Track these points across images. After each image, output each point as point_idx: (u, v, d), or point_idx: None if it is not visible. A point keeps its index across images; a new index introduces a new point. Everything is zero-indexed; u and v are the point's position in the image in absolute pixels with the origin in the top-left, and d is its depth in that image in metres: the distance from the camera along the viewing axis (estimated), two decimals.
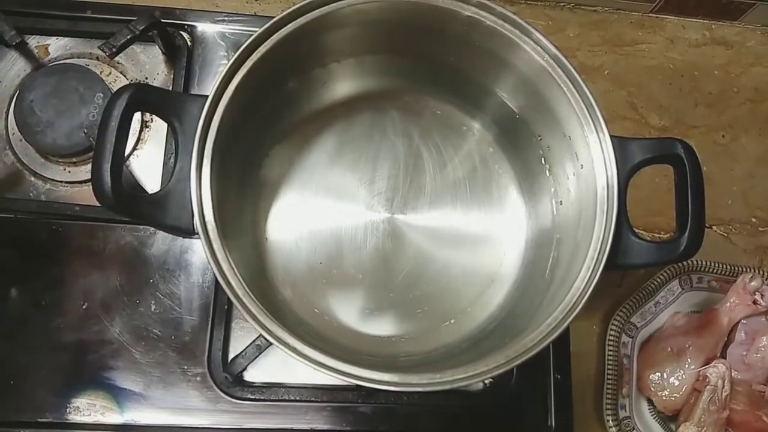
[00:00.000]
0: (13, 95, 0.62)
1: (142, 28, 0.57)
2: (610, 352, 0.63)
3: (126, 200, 0.43)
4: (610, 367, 0.63)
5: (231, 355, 0.59)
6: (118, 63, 0.64)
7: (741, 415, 0.60)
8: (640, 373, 0.63)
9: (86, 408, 0.58)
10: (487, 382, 0.61)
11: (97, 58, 0.64)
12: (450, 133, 0.61)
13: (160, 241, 0.61)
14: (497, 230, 0.59)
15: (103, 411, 0.58)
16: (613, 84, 0.74)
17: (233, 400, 0.58)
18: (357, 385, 0.45)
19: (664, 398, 0.61)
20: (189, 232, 0.45)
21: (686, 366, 0.60)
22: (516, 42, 0.50)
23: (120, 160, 0.43)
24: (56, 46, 0.64)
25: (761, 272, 0.65)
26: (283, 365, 0.60)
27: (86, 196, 0.61)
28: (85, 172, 0.62)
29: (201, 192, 0.45)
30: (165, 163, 0.62)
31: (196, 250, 0.61)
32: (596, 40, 0.76)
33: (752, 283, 0.60)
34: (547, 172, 0.56)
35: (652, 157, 0.49)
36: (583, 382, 0.64)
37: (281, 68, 0.51)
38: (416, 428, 0.61)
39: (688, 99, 0.75)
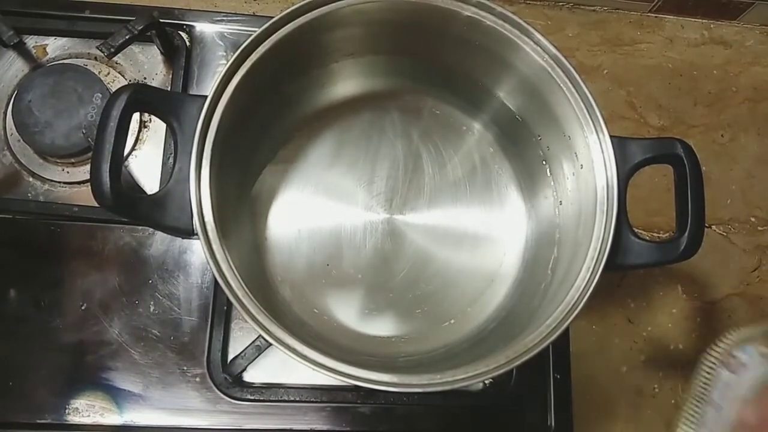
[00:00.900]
0: (11, 95, 0.62)
1: (140, 28, 0.57)
2: None
3: (125, 201, 0.43)
4: None
5: (230, 356, 0.59)
6: (116, 63, 0.64)
7: None
8: None
9: (85, 409, 0.57)
10: (487, 382, 0.61)
11: (96, 58, 0.64)
12: (450, 133, 0.61)
13: (159, 241, 0.61)
14: (497, 230, 0.59)
15: (102, 412, 0.58)
16: (613, 84, 0.74)
17: (233, 400, 0.58)
18: (356, 386, 0.45)
19: None
20: (188, 233, 0.44)
21: None
22: (516, 42, 0.50)
23: (119, 160, 0.42)
24: (54, 46, 0.64)
25: None
26: (283, 366, 0.60)
27: (85, 196, 0.61)
28: (83, 172, 0.61)
29: (200, 192, 0.45)
30: (164, 164, 0.61)
31: (195, 251, 0.61)
32: (595, 39, 0.76)
33: None
34: (547, 172, 0.56)
35: (651, 156, 0.49)
36: (583, 382, 0.64)
37: (280, 68, 0.51)
38: (416, 428, 0.61)
39: (687, 98, 0.75)
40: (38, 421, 0.57)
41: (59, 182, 0.61)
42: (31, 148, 0.61)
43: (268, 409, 0.59)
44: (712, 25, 0.78)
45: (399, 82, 0.60)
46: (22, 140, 0.60)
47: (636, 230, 0.48)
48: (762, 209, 0.72)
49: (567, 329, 0.45)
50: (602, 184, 0.48)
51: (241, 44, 0.47)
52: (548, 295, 0.50)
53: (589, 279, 0.46)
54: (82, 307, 0.59)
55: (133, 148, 0.62)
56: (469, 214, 0.59)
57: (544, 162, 0.56)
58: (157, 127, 0.63)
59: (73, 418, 0.57)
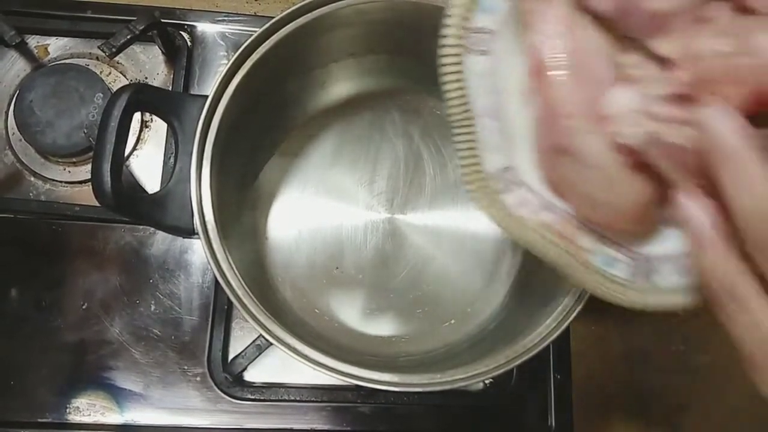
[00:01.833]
0: (13, 95, 0.62)
1: (141, 28, 0.57)
2: None
3: (126, 200, 0.43)
4: None
5: (231, 355, 0.59)
6: (117, 63, 0.64)
7: None
8: None
9: (86, 408, 0.58)
10: (487, 382, 0.61)
11: (97, 58, 0.64)
12: (450, 132, 0.60)
13: (160, 241, 0.61)
14: (497, 230, 0.59)
15: (103, 411, 0.58)
16: None
17: (233, 400, 0.58)
18: (357, 385, 0.45)
19: None
20: (189, 232, 0.45)
21: None
22: None
23: (120, 160, 0.43)
24: (56, 46, 0.64)
25: None
26: (283, 365, 0.60)
27: (86, 196, 0.61)
28: (85, 172, 0.62)
29: (201, 192, 0.45)
30: (165, 163, 0.62)
31: (196, 250, 0.61)
32: None
33: None
34: None
35: None
36: (583, 382, 0.64)
37: (281, 68, 0.51)
38: (416, 428, 0.61)
39: None
40: (39, 420, 0.57)
41: (61, 182, 0.61)
42: (33, 148, 0.61)
43: (269, 409, 0.59)
44: None
45: (399, 81, 0.60)
46: (23, 140, 0.61)
47: None
48: None
49: (567, 329, 0.45)
50: None
51: (242, 44, 0.47)
52: (548, 295, 0.50)
53: None
54: (83, 307, 0.59)
55: (134, 148, 0.63)
56: (469, 214, 0.59)
57: None
58: (159, 127, 0.63)
59: (74, 417, 0.57)
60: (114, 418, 0.58)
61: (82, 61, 0.63)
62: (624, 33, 0.29)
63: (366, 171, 0.59)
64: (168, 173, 0.60)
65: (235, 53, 0.47)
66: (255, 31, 0.47)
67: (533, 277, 0.56)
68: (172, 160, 0.60)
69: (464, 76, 0.35)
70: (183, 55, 0.64)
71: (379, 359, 0.54)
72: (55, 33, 0.64)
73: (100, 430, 0.57)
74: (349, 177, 0.59)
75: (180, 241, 0.61)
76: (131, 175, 0.62)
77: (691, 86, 0.26)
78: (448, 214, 0.59)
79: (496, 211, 0.35)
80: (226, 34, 0.65)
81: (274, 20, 0.48)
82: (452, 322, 0.57)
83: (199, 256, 0.61)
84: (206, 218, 0.45)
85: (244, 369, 0.59)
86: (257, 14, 0.68)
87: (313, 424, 0.59)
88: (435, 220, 0.59)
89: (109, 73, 0.64)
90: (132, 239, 0.61)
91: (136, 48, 0.64)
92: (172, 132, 0.46)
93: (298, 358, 0.43)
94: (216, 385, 0.58)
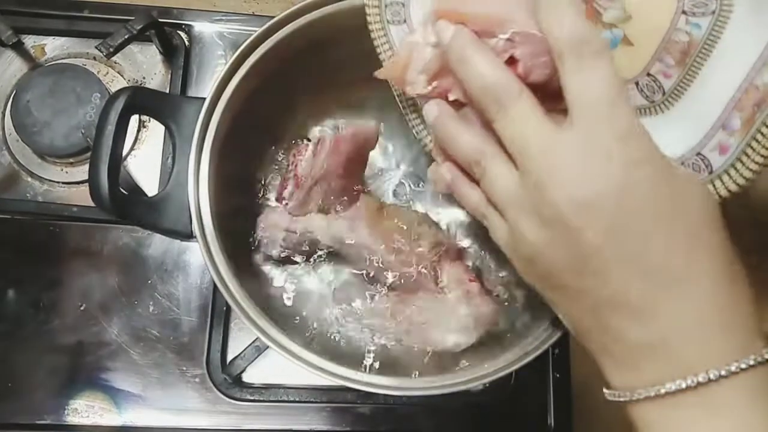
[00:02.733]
0: (10, 95, 0.62)
1: (139, 27, 0.57)
2: None
3: (123, 203, 0.43)
4: None
5: (230, 356, 0.59)
6: (115, 63, 0.64)
7: None
8: None
9: (85, 409, 0.58)
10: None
11: (94, 58, 0.64)
12: None
13: (158, 242, 0.61)
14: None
15: (101, 412, 0.58)
16: None
17: (232, 401, 0.58)
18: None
19: None
20: (187, 236, 0.44)
21: None
22: None
23: (117, 163, 0.42)
24: (53, 46, 0.64)
25: None
26: (282, 366, 0.60)
27: (83, 196, 0.60)
28: (82, 172, 0.61)
29: (199, 195, 0.44)
30: (162, 164, 0.61)
31: (195, 251, 0.61)
32: None
33: None
34: None
35: None
36: (583, 382, 0.64)
37: (280, 69, 0.51)
38: (416, 428, 0.61)
39: None
40: (38, 422, 0.57)
41: (58, 182, 0.61)
42: (30, 148, 0.61)
43: (268, 410, 0.59)
44: None
45: None
46: (20, 140, 0.60)
47: None
48: (762, 209, 0.71)
49: (567, 330, 0.45)
50: None
51: (241, 44, 0.47)
52: None
53: None
54: (81, 308, 0.59)
55: (132, 149, 0.62)
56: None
57: None
58: (156, 128, 0.63)
59: (73, 419, 0.57)
60: (112, 419, 0.58)
61: (79, 61, 0.63)
62: None
63: (366, 171, 0.59)
64: (166, 175, 0.60)
65: (233, 54, 0.46)
66: (253, 31, 0.47)
67: None
68: (169, 161, 0.60)
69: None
70: (180, 54, 0.64)
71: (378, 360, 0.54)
72: (52, 33, 0.64)
73: None
74: None
75: (178, 242, 0.61)
76: (129, 176, 0.61)
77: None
78: (448, 214, 0.59)
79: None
80: (224, 33, 0.65)
81: (273, 20, 0.47)
82: None
83: (197, 257, 0.61)
84: (204, 222, 0.44)
85: (243, 370, 0.59)
86: (255, 14, 0.67)
87: (312, 424, 0.59)
88: (436, 219, 0.59)
89: (107, 73, 0.63)
90: (130, 240, 0.61)
91: (134, 48, 0.64)
92: (169, 135, 0.46)
93: (296, 361, 0.43)
94: (215, 386, 0.58)
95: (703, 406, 0.31)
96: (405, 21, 0.42)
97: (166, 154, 0.62)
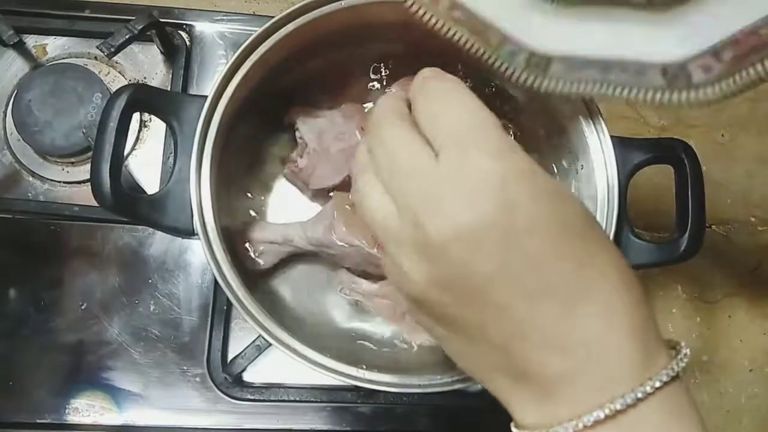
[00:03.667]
0: (11, 95, 0.62)
1: (140, 27, 0.57)
2: None
3: (125, 201, 0.43)
4: None
5: (230, 356, 0.59)
6: (116, 63, 0.64)
7: None
8: None
9: (85, 409, 0.58)
10: None
11: (96, 58, 0.64)
12: None
13: (159, 241, 0.61)
14: None
15: (102, 411, 0.58)
16: None
17: (232, 400, 0.58)
18: (356, 386, 0.45)
19: None
20: (188, 233, 0.44)
21: None
22: None
23: (119, 161, 0.42)
24: (54, 46, 0.64)
25: None
26: (283, 366, 0.60)
27: (85, 196, 0.61)
28: (83, 172, 0.61)
29: (200, 193, 0.44)
30: (164, 163, 0.61)
31: (195, 251, 0.61)
32: None
33: None
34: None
35: (652, 157, 0.49)
36: None
37: (281, 68, 0.51)
38: (416, 428, 0.61)
39: None
40: (38, 421, 0.57)
41: (59, 182, 0.61)
42: (31, 148, 0.61)
43: (268, 409, 0.59)
44: None
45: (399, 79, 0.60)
46: (22, 140, 0.60)
47: (636, 230, 0.48)
48: (762, 209, 0.72)
49: None
50: (603, 184, 0.48)
51: (242, 44, 0.47)
52: None
53: None
54: (82, 307, 0.59)
55: (133, 148, 0.62)
56: None
57: (543, 162, 0.56)
58: (157, 127, 0.63)
59: (73, 418, 0.57)
60: (113, 418, 0.58)
61: (80, 61, 0.63)
62: None
63: None
64: (167, 173, 0.60)
65: (234, 53, 0.46)
66: (254, 31, 0.47)
67: None
68: (171, 159, 0.60)
69: None
70: (182, 54, 0.64)
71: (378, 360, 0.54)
72: (53, 32, 0.64)
73: (99, 431, 0.57)
74: None
75: (179, 242, 0.61)
76: (130, 174, 0.61)
77: None
78: None
79: None
80: (225, 33, 0.65)
81: (273, 20, 0.47)
82: None
83: (198, 256, 0.61)
84: (206, 219, 0.44)
85: (244, 369, 0.59)
86: (256, 14, 0.68)
87: (312, 424, 0.59)
88: None
89: (108, 73, 0.64)
90: (131, 239, 0.61)
91: (135, 47, 0.64)
92: (171, 132, 0.46)
93: (298, 358, 0.43)
94: (215, 385, 0.58)
95: None
96: None
97: (166, 154, 0.62)
